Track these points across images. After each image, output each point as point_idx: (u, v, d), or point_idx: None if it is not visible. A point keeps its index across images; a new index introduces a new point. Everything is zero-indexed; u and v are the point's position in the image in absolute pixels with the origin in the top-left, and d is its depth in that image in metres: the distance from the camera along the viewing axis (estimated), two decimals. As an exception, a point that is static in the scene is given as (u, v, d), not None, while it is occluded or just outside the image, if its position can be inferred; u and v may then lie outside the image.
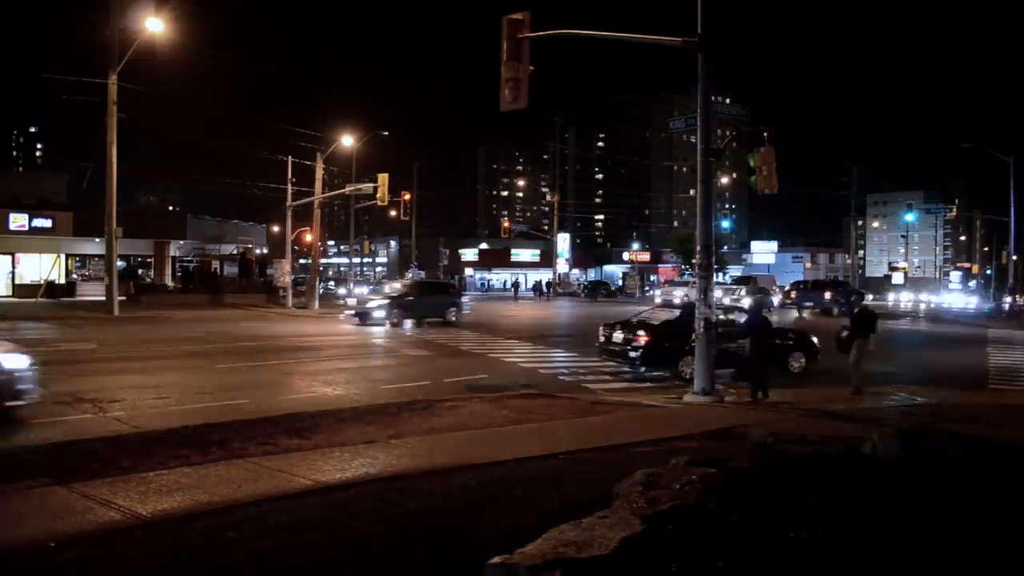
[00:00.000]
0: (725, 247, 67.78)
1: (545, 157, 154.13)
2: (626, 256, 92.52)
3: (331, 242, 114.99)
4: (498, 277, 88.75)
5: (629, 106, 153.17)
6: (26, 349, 10.17)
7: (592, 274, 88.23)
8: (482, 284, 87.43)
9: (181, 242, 43.22)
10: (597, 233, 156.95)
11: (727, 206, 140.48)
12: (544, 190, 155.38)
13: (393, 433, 8.84)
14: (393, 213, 56.69)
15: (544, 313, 40.27)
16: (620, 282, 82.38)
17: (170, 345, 18.79)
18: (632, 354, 15.36)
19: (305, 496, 6.12)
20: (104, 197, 26.60)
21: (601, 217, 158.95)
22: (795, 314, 40.31)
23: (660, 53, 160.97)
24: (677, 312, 16.18)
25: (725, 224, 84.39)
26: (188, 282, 41.22)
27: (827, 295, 42.91)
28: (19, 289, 37.99)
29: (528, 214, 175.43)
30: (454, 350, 19.91)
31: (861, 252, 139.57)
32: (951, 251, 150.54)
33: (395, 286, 32.19)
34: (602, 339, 16.75)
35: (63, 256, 40.42)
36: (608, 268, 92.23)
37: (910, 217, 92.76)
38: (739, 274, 69.09)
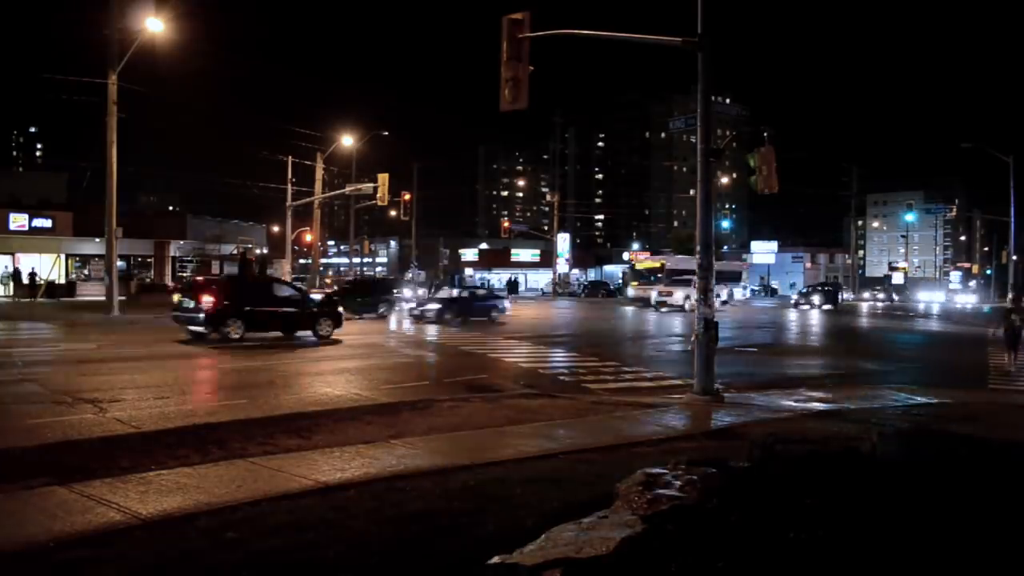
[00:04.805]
0: (725, 247, 67.74)
1: (545, 157, 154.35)
2: (626, 256, 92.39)
3: (331, 242, 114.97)
4: (498, 277, 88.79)
5: (629, 106, 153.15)
6: None
7: (592, 274, 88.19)
8: (482, 283, 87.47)
9: (181, 242, 43.23)
10: (597, 233, 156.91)
11: (727, 206, 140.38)
12: (544, 190, 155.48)
13: (393, 433, 8.84)
14: (393, 213, 56.82)
15: (544, 313, 40.27)
16: (620, 282, 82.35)
17: (170, 345, 18.77)
18: None
19: (305, 496, 6.12)
20: (104, 197, 26.60)
21: (601, 217, 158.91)
22: None
23: (660, 53, 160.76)
24: None
25: (725, 224, 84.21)
26: (188, 282, 41.24)
27: None
28: (19, 289, 37.98)
29: (528, 214, 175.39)
30: (454, 350, 19.90)
31: (861, 252, 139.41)
32: (951, 251, 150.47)
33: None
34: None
35: (63, 256, 40.41)
36: (608, 268, 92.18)
37: (910, 217, 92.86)
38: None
